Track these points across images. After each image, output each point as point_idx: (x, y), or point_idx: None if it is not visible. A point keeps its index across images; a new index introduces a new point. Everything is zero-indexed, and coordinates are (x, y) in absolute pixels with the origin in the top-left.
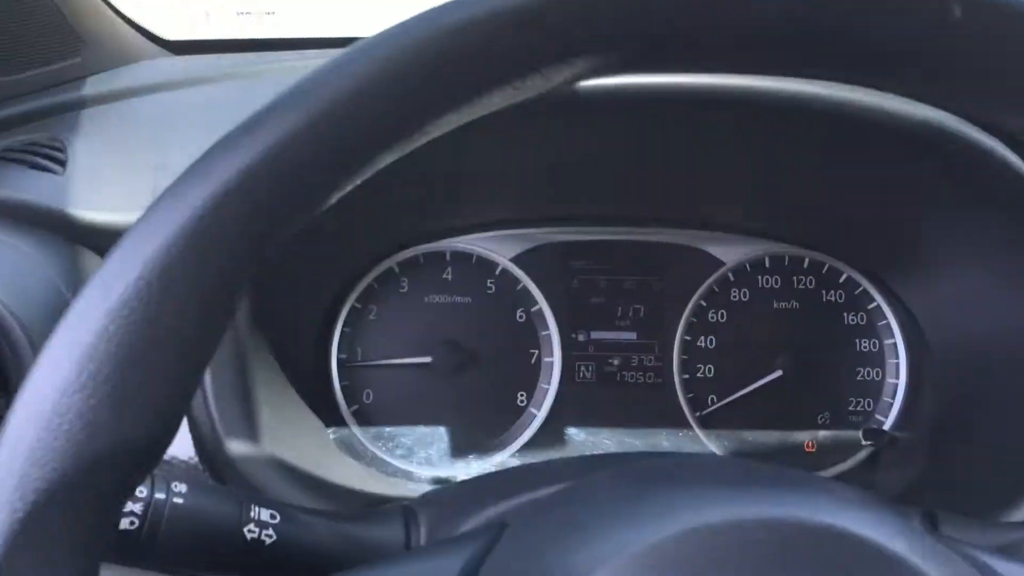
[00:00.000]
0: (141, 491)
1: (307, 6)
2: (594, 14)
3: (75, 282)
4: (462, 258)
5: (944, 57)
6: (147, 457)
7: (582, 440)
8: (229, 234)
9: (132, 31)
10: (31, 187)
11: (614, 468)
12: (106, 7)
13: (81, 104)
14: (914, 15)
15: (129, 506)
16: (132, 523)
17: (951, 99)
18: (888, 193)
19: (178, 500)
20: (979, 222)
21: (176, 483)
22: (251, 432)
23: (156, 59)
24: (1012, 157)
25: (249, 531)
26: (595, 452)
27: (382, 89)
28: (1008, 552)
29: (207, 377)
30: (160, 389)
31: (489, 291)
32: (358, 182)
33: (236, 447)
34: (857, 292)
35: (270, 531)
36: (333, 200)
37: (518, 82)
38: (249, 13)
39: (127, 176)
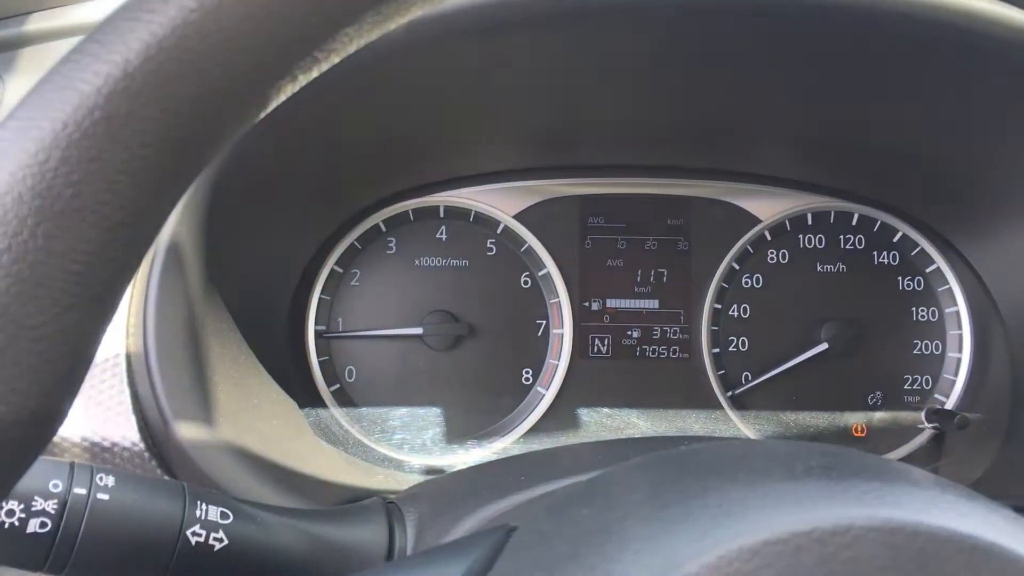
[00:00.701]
0: (55, 485)
1: None
2: None
3: None
4: (458, 214)
5: None
6: (26, 439)
7: (597, 423)
8: (133, 135)
9: None
10: None
11: (643, 457)
12: None
13: (23, 41)
14: None
15: (39, 503)
16: (43, 525)
17: None
18: (963, 122)
19: (102, 496)
20: None
21: (102, 475)
22: (206, 413)
23: None
24: None
25: (194, 534)
26: (612, 437)
27: None
28: None
29: (152, 345)
30: (39, 349)
31: (489, 253)
32: (314, 74)
33: (187, 431)
34: (914, 253)
35: (220, 534)
36: (277, 98)
37: None
38: None
39: None
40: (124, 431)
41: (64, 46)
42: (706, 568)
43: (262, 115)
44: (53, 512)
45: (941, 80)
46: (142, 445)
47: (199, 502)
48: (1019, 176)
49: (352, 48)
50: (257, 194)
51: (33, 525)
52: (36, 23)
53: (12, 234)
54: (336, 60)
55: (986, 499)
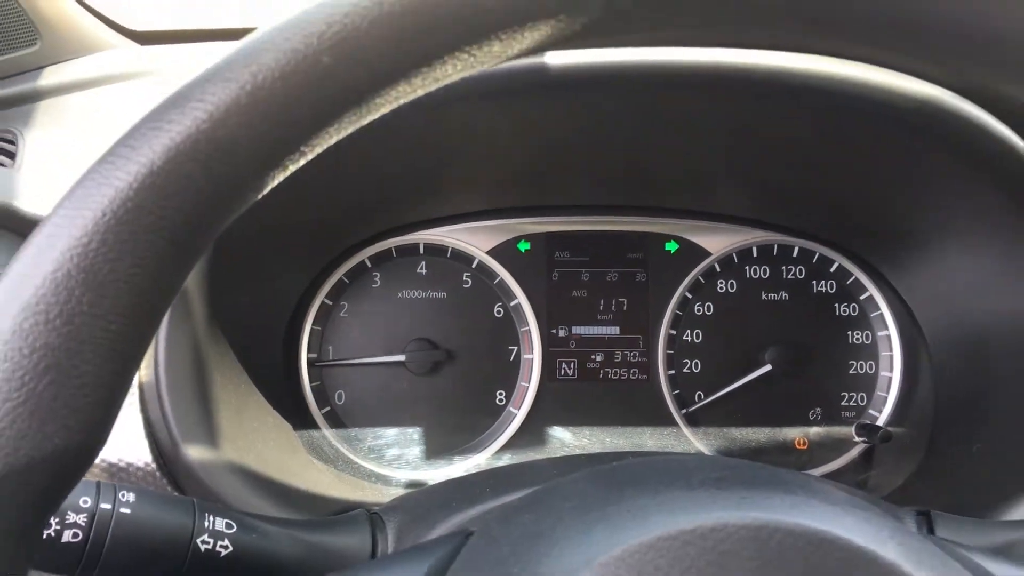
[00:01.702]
0: (85, 501)
1: None
2: None
3: None
4: (436, 251)
5: (947, 22)
6: (73, 465)
7: (564, 440)
8: (156, 221)
9: (94, 19)
10: None
11: (583, 471)
12: None
13: (37, 95)
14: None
15: (71, 517)
16: (75, 535)
17: (953, 66)
18: (883, 175)
19: (125, 511)
20: (977, 203)
21: (124, 492)
22: (210, 436)
23: (119, 48)
24: (1010, 134)
25: (203, 542)
26: (577, 452)
27: (339, 52)
28: (1005, 553)
29: (162, 377)
30: (84, 393)
31: (465, 285)
32: (301, 163)
33: (194, 452)
34: (849, 282)
35: (225, 542)
36: (271, 184)
37: (474, 48)
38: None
39: (79, 170)
40: (139, 453)
41: (80, 98)
42: (612, 559)
43: (261, 195)
44: (84, 524)
45: (866, 138)
46: (154, 465)
47: (207, 515)
48: (930, 218)
49: (334, 140)
50: (256, 240)
51: (67, 535)
52: (48, 78)
53: (63, 302)
54: (321, 150)
55: (851, 500)
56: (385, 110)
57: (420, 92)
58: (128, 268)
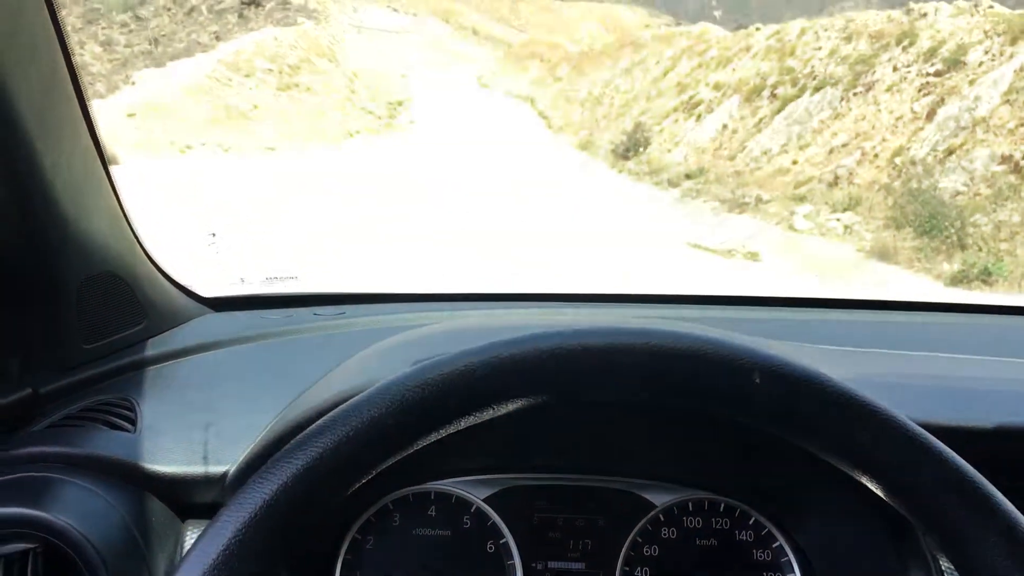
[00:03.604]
0: None
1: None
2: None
3: (142, 520)
4: (444, 498)
5: (759, 405)
6: None
7: None
8: (286, 518)
9: (180, 293)
10: (108, 445)
11: None
12: (162, 276)
13: (144, 364)
14: (728, 381)
15: None
16: None
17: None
18: (773, 463)
19: None
20: (837, 491)
21: None
22: None
23: (201, 316)
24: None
25: None
26: None
27: (398, 417)
28: None
29: None
30: None
31: (465, 526)
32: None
33: None
34: (763, 532)
35: None
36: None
37: (476, 415)
38: (276, 278)
39: (184, 434)
40: None
41: (175, 368)
42: None
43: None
44: None
45: (757, 446)
46: None
47: None
48: (819, 492)
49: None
50: None
51: None
52: (151, 349)
53: (231, 562)
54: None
55: None
56: (418, 447)
57: (448, 432)
58: (270, 546)
